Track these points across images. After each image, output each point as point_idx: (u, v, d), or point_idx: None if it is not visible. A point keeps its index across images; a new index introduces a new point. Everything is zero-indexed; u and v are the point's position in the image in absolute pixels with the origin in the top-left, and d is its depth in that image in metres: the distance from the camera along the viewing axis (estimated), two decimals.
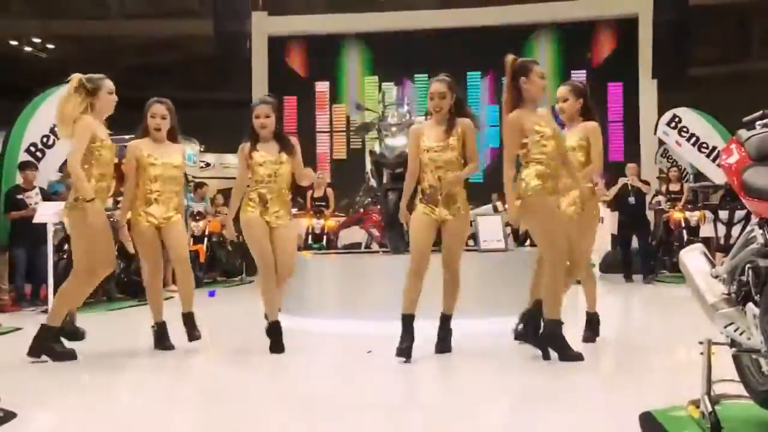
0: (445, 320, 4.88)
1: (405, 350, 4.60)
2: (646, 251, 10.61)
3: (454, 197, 4.76)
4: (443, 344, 4.85)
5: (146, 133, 5.22)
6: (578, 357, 4.47)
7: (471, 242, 7.23)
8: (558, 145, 4.58)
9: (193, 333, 5.16)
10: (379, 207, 7.89)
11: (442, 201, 4.73)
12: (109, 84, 5.00)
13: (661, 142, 12.47)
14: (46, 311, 7.51)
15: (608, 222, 11.16)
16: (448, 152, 4.73)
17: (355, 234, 10.77)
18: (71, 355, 4.83)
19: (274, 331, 4.99)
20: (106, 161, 4.88)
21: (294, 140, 5.21)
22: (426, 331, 4.78)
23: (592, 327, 5.12)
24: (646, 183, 10.85)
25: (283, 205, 5.06)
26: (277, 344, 4.96)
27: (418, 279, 4.70)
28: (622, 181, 10.54)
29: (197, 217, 11.32)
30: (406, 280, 4.72)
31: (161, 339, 5.23)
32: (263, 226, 4.97)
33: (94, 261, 4.76)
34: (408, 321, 4.71)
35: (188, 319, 5.19)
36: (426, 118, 4.97)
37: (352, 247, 10.31)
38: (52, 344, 4.81)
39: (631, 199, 10.46)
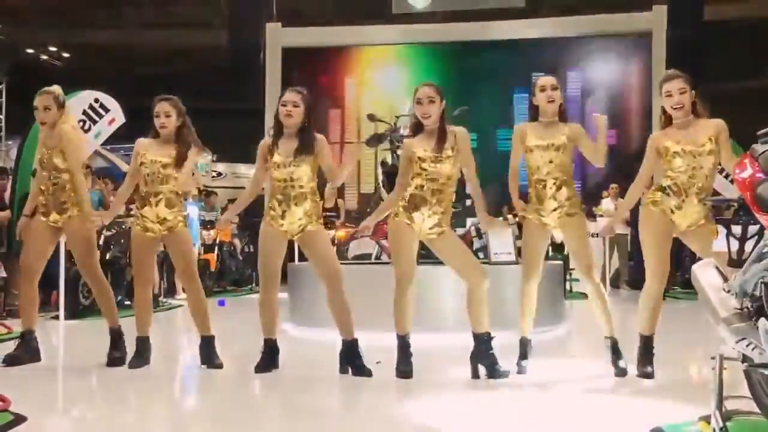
0: (475, 338, 4.52)
1: (408, 372, 4.50)
2: None
3: (437, 212, 4.46)
4: (476, 365, 4.49)
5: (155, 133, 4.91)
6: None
7: (482, 255, 7.22)
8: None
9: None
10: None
11: (422, 215, 4.45)
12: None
13: None
14: (56, 317, 7.57)
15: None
16: (444, 164, 4.44)
17: (364, 245, 10.77)
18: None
19: (264, 348, 4.73)
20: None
21: (320, 137, 4.66)
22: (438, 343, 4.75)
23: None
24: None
25: (306, 210, 4.58)
26: (260, 363, 4.69)
27: (404, 293, 4.48)
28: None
29: (208, 227, 11.36)
30: (396, 298, 4.51)
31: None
32: (276, 239, 4.61)
33: None
34: (407, 342, 4.57)
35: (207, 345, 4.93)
36: (408, 136, 4.82)
37: (362, 258, 10.31)
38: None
39: None
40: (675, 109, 4.39)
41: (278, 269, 4.70)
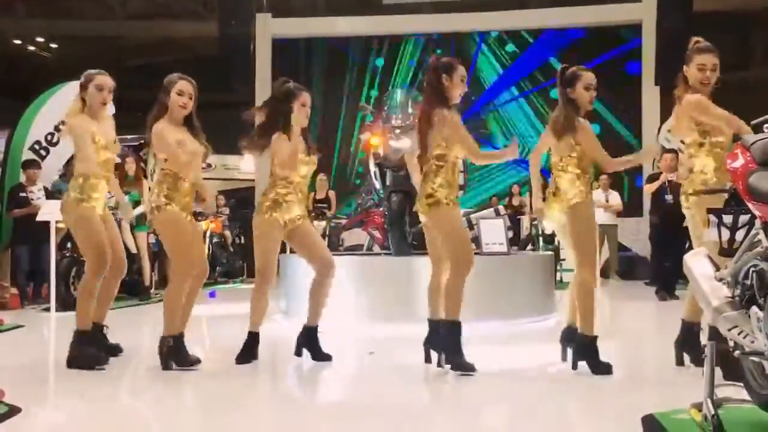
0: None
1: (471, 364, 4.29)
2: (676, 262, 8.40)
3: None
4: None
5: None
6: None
7: (473, 245, 7.24)
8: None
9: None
10: (381, 209, 7.89)
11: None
12: (100, 79, 4.62)
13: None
14: (47, 309, 7.54)
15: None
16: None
17: (357, 236, 10.78)
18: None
19: (248, 340, 4.72)
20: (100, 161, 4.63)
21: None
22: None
23: None
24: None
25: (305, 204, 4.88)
26: (241, 354, 4.67)
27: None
28: (663, 177, 9.07)
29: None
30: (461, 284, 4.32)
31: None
32: (278, 229, 4.70)
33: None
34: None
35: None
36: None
37: (354, 249, 10.33)
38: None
39: (668, 197, 8.68)
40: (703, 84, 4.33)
41: (277, 259, 4.82)
